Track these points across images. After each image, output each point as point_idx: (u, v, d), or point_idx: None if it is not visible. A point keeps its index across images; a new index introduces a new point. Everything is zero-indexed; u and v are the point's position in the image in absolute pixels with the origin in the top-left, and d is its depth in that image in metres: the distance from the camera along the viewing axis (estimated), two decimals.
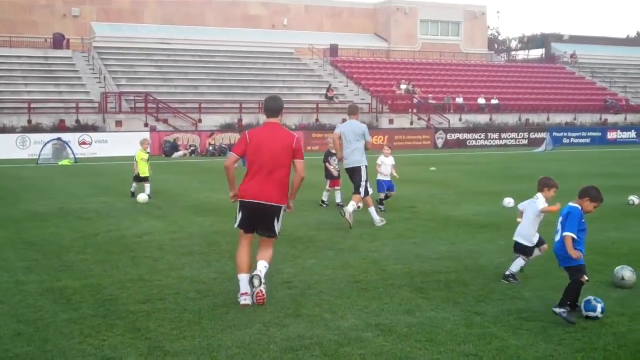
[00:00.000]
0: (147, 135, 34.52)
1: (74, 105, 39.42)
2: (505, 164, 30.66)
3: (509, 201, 15.69)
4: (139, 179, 17.57)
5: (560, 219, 7.85)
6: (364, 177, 13.55)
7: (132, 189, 17.69)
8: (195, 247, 11.29)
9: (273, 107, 8.55)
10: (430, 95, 50.37)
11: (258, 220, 8.35)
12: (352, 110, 14.59)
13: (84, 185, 20.89)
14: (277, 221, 8.45)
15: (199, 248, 11.19)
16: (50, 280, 9.08)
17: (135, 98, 41.36)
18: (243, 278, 8.09)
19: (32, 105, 38.45)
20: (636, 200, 16.05)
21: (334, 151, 15.41)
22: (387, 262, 10.14)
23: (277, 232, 8.47)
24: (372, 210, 13.69)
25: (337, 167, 15.83)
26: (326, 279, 9.19)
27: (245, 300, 7.89)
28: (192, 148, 36.78)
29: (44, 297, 8.30)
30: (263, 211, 8.29)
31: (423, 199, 17.40)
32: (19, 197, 18.01)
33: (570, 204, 7.89)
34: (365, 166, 13.66)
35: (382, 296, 8.34)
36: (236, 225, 8.45)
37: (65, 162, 30.49)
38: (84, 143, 34.58)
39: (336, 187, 16.21)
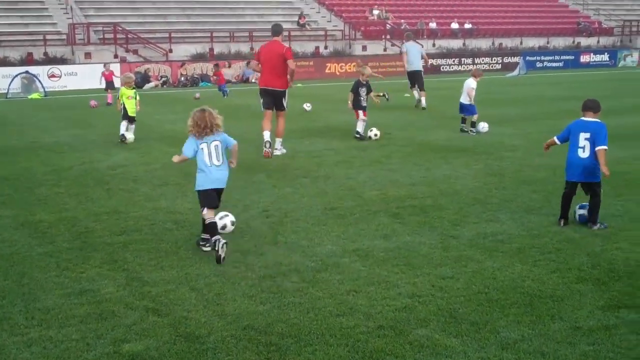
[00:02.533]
0: (116, 67, 34.02)
1: (41, 37, 38.52)
2: (480, 89, 30.53)
3: (483, 126, 15.78)
4: (128, 118, 15.73)
5: (587, 134, 7.97)
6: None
7: (122, 131, 15.49)
8: (170, 178, 11.22)
9: (274, 30, 13.87)
10: (403, 20, 49.84)
11: (271, 100, 13.50)
12: None
13: (55, 119, 20.57)
14: (284, 100, 13.54)
15: (174, 179, 11.12)
16: (25, 214, 9.01)
17: (104, 29, 40.48)
18: (267, 134, 13.29)
19: None
20: None
21: (364, 81, 15.30)
22: (363, 189, 10.16)
23: (284, 107, 13.58)
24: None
25: (365, 97, 15.37)
26: (302, 206, 9.20)
27: (266, 147, 13.08)
28: (163, 79, 36.30)
29: (18, 231, 8.25)
30: (273, 94, 13.43)
31: (398, 125, 17.37)
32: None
33: (589, 119, 8.11)
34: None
35: (359, 222, 8.38)
36: (261, 108, 13.68)
37: (35, 95, 29.97)
38: (53, 76, 33.95)
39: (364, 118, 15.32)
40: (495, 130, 15.94)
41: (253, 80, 36.73)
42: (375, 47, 46.06)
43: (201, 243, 7.42)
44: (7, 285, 6.44)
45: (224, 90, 27.51)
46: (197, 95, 22.55)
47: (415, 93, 22.62)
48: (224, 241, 6.93)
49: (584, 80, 33.97)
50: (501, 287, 6.22)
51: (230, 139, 7.85)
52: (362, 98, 15.28)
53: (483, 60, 46.50)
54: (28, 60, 36.11)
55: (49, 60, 36.37)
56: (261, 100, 13.60)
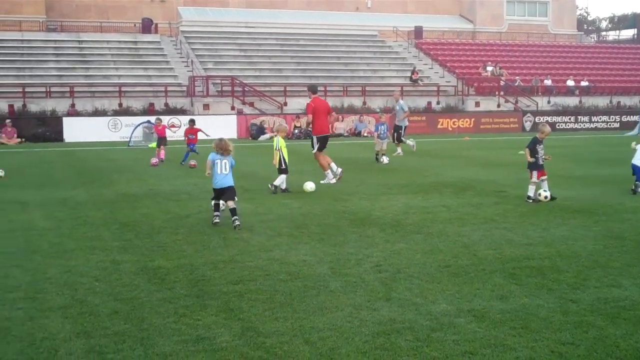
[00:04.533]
0: (233, 118, 34.91)
1: (162, 89, 40.22)
2: (597, 147, 29.84)
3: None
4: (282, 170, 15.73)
5: None
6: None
7: (283, 185, 15.73)
8: (283, 229, 11.36)
9: (314, 88, 18.17)
10: (517, 77, 49.37)
11: (326, 143, 17.46)
12: None
13: (174, 168, 21.29)
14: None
15: (287, 230, 11.26)
16: (145, 260, 9.29)
17: (222, 81, 41.89)
18: (333, 165, 17.26)
19: (123, 89, 39.37)
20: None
21: (541, 138, 14.40)
22: (478, 247, 9.99)
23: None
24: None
25: (542, 156, 14.38)
26: (416, 263, 9.12)
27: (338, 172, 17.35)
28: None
29: (139, 276, 8.49)
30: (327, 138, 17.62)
31: (512, 183, 17.08)
32: (112, 179, 18.50)
33: None
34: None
35: (474, 281, 8.22)
36: (315, 150, 17.44)
37: (154, 144, 31.13)
38: (173, 126, 35.22)
39: (543, 177, 14.36)
40: (614, 191, 15.43)
41: (365, 134, 37.06)
42: (488, 104, 45.74)
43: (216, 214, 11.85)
44: (128, 329, 6.62)
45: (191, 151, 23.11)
46: (193, 162, 21.49)
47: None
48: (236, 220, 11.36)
49: None
50: (625, 356, 5.94)
51: (233, 161, 12.12)
52: (539, 157, 14.25)
53: (600, 119, 45.41)
54: (150, 110, 37.65)
55: (170, 111, 37.82)
56: (318, 145, 17.33)
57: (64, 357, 5.91)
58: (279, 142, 15.75)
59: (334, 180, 17.13)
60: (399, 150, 25.44)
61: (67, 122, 35.34)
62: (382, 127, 22.78)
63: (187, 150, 22.69)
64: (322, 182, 16.96)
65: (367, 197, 14.70)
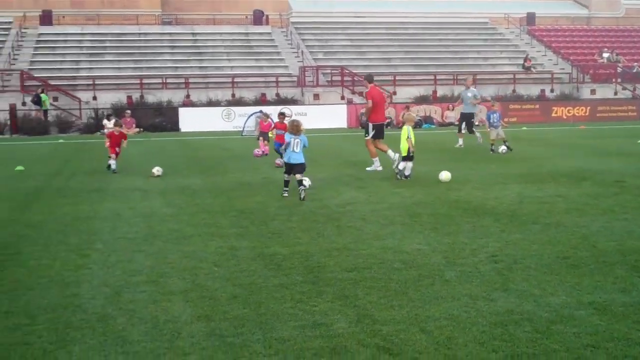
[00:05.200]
0: (343, 108, 35.04)
1: (274, 79, 40.81)
2: None
3: None
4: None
5: None
6: None
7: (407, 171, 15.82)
8: (396, 217, 11.36)
9: (370, 78, 18.41)
10: (635, 64, 47.47)
11: (382, 131, 17.95)
12: None
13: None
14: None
15: (400, 219, 11.25)
16: (261, 246, 9.48)
17: (332, 71, 42.12)
18: (390, 152, 17.31)
19: (235, 79, 40.16)
20: None
21: None
22: (598, 239, 9.70)
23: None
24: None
25: None
26: (533, 254, 8.94)
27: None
28: (387, 120, 36.89)
29: (255, 262, 8.68)
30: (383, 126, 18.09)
31: (632, 172, 16.48)
32: (226, 167, 18.94)
33: None
34: None
35: (594, 274, 7.99)
36: (370, 136, 17.81)
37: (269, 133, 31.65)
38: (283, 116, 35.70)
39: None
40: None
41: (477, 123, 36.45)
42: (604, 91, 44.26)
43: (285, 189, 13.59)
44: (247, 313, 6.77)
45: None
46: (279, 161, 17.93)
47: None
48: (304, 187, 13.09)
49: None
50: None
51: (305, 140, 13.81)
52: None
53: None
54: (261, 100, 38.29)
55: (281, 101, 38.36)
56: (374, 132, 17.73)
57: (186, 340, 6.11)
58: (409, 131, 15.86)
59: (380, 168, 17.56)
60: (461, 141, 24.39)
61: (182, 112, 36.38)
62: (495, 115, 22.21)
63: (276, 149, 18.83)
64: (368, 169, 17.65)
65: (481, 187, 14.50)
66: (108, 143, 18.61)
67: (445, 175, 15.37)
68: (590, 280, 7.71)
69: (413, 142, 15.80)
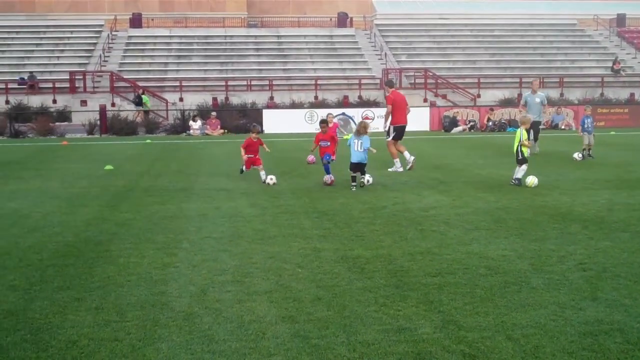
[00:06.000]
0: (426, 110, 34.74)
1: (356, 81, 40.84)
2: None
3: None
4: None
5: None
6: None
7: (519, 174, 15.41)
8: (481, 222, 11.21)
9: (391, 83, 19.47)
10: None
11: (402, 134, 18.63)
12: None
13: (371, 158, 21.50)
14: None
15: (485, 224, 11.10)
16: (344, 249, 9.49)
17: (415, 74, 41.90)
18: (407, 154, 18.24)
19: (319, 82, 40.38)
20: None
21: None
22: None
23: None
24: None
25: None
26: (622, 262, 8.70)
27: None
28: (471, 123, 36.54)
29: (339, 264, 8.70)
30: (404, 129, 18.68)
31: None
32: (309, 169, 19.06)
33: None
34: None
35: None
36: (390, 138, 18.45)
37: (348, 136, 31.66)
38: (366, 118, 35.65)
39: None
40: None
41: (563, 127, 35.79)
42: None
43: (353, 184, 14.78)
44: (330, 315, 6.79)
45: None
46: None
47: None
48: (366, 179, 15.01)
49: None
50: None
51: (367, 141, 15.04)
52: None
53: None
54: (344, 103, 38.35)
55: (363, 103, 38.33)
56: (394, 134, 18.38)
57: (271, 340, 6.17)
58: (523, 134, 15.40)
59: (401, 169, 18.05)
60: (537, 147, 22.43)
61: (266, 114, 36.75)
62: (588, 120, 21.51)
63: (324, 163, 16.51)
64: (390, 169, 18.13)
65: (568, 192, 14.19)
66: (244, 155, 16.59)
67: (531, 180, 15.07)
68: None
69: (519, 144, 15.33)
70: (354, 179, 15.01)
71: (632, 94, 42.30)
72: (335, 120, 32.95)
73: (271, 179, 15.91)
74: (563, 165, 19.27)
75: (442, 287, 7.66)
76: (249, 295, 7.48)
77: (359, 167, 15.08)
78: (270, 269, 8.52)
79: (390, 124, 18.54)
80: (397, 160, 18.25)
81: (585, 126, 21.45)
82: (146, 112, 37.97)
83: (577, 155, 20.54)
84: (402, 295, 7.39)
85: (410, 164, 18.11)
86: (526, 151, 15.41)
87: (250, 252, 9.36)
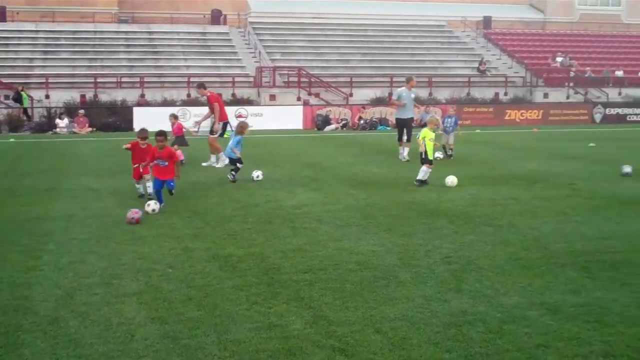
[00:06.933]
0: (299, 109, 34.96)
1: (230, 79, 40.61)
2: None
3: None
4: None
5: None
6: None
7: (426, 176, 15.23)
8: (351, 219, 11.40)
9: (205, 85, 19.92)
10: (588, 68, 48.28)
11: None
12: None
13: (242, 157, 21.44)
14: None
15: (355, 220, 11.29)
16: (216, 247, 9.44)
17: (289, 72, 42.09)
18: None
19: (191, 79, 39.90)
20: None
21: None
22: (549, 240, 9.86)
23: None
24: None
25: None
26: (486, 255, 9.06)
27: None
28: (343, 122, 37.05)
29: (210, 263, 8.64)
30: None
31: (583, 176, 16.76)
32: (185, 167, 18.74)
33: None
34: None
35: (545, 274, 8.13)
36: (218, 134, 19.17)
37: (226, 134, 31.46)
38: (240, 116, 35.46)
39: None
40: None
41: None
42: (557, 95, 44.88)
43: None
44: (201, 315, 6.74)
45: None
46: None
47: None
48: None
49: None
50: None
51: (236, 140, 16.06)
52: None
53: None
54: None
55: (237, 102, 38.15)
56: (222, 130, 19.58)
57: (140, 342, 6.06)
58: (429, 133, 15.30)
59: (217, 165, 18.97)
60: (405, 152, 20.68)
61: (137, 111, 35.95)
62: (449, 119, 21.69)
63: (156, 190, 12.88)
64: (204, 164, 19.20)
65: (435, 189, 14.62)
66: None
67: (452, 180, 15.02)
68: (541, 281, 7.84)
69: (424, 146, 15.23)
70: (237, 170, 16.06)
71: (496, 94, 44.00)
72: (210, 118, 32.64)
73: (257, 175, 16.01)
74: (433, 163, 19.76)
75: (313, 283, 7.75)
76: (118, 297, 7.32)
77: (230, 161, 16.48)
78: (139, 269, 8.37)
79: (220, 120, 19.49)
80: (215, 155, 19.18)
81: (445, 125, 21.53)
82: (25, 110, 36.37)
83: (438, 154, 20.71)
84: (274, 292, 7.42)
85: (220, 165, 18.88)
86: (431, 153, 15.29)
87: (119, 253, 9.16)
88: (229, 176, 15.95)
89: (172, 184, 12.78)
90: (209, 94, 20.29)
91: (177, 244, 9.65)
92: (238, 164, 16.10)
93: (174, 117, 20.96)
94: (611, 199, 13.36)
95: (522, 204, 12.88)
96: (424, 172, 15.18)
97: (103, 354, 5.80)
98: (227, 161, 18.14)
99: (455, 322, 6.49)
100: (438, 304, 7.04)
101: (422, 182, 15.11)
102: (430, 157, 15.29)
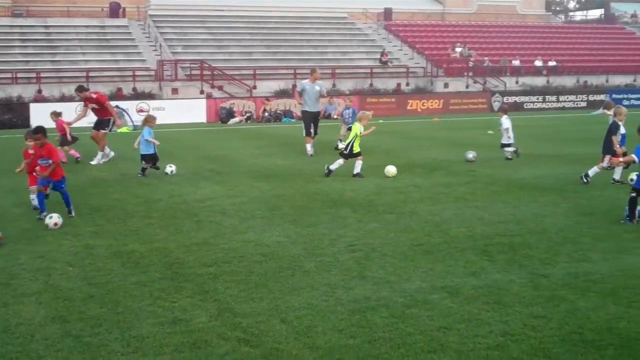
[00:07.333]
0: (202, 102, 34.64)
1: (130, 73, 39.84)
2: (564, 127, 30.17)
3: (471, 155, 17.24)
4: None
5: None
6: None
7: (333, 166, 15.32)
8: (257, 211, 11.38)
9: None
10: (486, 58, 49.56)
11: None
12: None
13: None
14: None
15: (260, 212, 11.28)
16: (118, 244, 9.27)
17: (191, 65, 41.60)
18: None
19: (90, 74, 38.97)
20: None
21: (620, 121, 13.65)
22: (450, 225, 10.10)
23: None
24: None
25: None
26: (389, 242, 9.20)
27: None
28: (247, 114, 36.91)
29: (112, 260, 8.48)
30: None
31: (482, 162, 17.22)
32: (81, 164, 18.35)
33: None
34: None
35: (446, 259, 8.33)
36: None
37: (124, 129, 30.88)
38: (141, 111, 34.85)
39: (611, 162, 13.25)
40: (583, 169, 15.62)
41: (335, 117, 37.03)
42: (457, 84, 45.90)
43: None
44: (103, 312, 6.62)
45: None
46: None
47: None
48: None
49: None
50: (595, 327, 6.07)
51: (147, 133, 15.73)
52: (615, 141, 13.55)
53: (568, 98, 45.80)
54: (118, 96, 37.27)
55: (138, 96, 37.50)
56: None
57: (40, 342, 5.91)
58: (359, 128, 15.34)
59: (102, 161, 18.69)
60: (309, 147, 19.93)
61: (34, 108, 34.87)
62: (347, 111, 21.70)
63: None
64: (92, 162, 18.52)
65: (340, 179, 14.74)
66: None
67: (391, 170, 15.11)
68: (443, 265, 8.03)
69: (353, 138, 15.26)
70: (143, 170, 15.70)
71: (398, 84, 44.65)
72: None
73: (171, 171, 15.79)
74: (335, 154, 19.91)
75: (218, 276, 7.71)
76: (16, 297, 7.11)
77: (146, 159, 15.70)
78: (39, 269, 8.15)
79: (108, 116, 19.31)
80: (102, 152, 18.84)
81: (345, 117, 21.58)
82: None
83: (341, 145, 20.87)
84: (178, 287, 7.35)
85: (108, 158, 18.92)
86: (357, 146, 15.24)
87: (17, 253, 8.89)
88: (140, 172, 15.81)
89: (62, 186, 11.24)
90: (95, 95, 19.99)
91: (78, 242, 9.43)
92: (145, 162, 15.81)
93: (56, 114, 19.16)
94: (509, 184, 13.78)
95: (423, 191, 13.14)
96: (359, 165, 15.18)
97: (2, 356, 5.63)
98: (110, 156, 18.80)
99: (359, 309, 6.58)
100: (342, 291, 7.12)
101: (359, 174, 15.06)
102: (356, 150, 15.22)
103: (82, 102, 20.08)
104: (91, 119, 20.18)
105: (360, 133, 15.35)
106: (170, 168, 15.84)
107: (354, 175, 15.00)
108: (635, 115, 11.11)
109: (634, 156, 10.62)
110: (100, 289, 7.32)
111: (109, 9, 49.37)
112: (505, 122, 17.77)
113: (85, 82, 37.96)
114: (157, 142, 15.87)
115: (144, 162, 15.83)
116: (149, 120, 16.45)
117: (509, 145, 17.84)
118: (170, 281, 7.56)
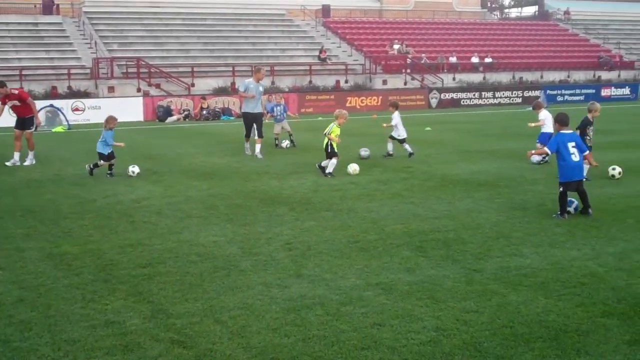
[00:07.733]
0: (139, 100, 34.24)
1: (65, 71, 39.12)
2: (500, 122, 30.67)
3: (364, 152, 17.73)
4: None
5: (573, 143, 10.37)
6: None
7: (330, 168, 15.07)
8: (193, 211, 11.30)
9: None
10: (423, 55, 50.08)
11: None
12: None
13: (79, 152, 20.83)
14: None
15: (197, 212, 11.20)
16: (50, 246, 9.09)
17: (127, 63, 41.05)
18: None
19: (24, 72, 38.15)
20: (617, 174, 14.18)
21: (593, 118, 14.27)
22: (386, 222, 10.18)
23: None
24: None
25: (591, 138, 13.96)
26: (325, 240, 9.23)
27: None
28: (185, 112, 36.58)
29: (44, 263, 8.32)
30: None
31: (419, 159, 17.41)
32: (14, 165, 17.95)
33: (568, 131, 10.56)
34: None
35: (382, 255, 8.39)
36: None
37: (59, 128, 30.33)
38: (76, 109, 34.35)
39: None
40: (517, 165, 15.93)
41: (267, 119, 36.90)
42: (395, 81, 46.27)
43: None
44: (34, 316, 6.49)
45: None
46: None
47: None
48: None
49: (605, 114, 33.82)
50: (526, 321, 6.19)
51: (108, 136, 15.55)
52: (588, 138, 13.56)
53: (503, 94, 46.55)
54: (52, 94, 36.59)
55: (73, 94, 36.86)
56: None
57: None
58: (334, 129, 15.36)
59: (19, 163, 17.92)
60: (258, 150, 18.75)
61: None
62: (278, 108, 21.36)
63: None
64: (7, 163, 17.92)
65: (277, 177, 14.74)
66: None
67: (353, 168, 15.15)
68: (378, 262, 8.08)
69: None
70: (96, 165, 15.56)
71: (337, 81, 44.80)
72: (43, 111, 31.34)
73: (133, 171, 15.38)
74: (273, 152, 19.93)
75: (152, 277, 7.63)
76: None
77: (103, 158, 15.50)
78: None
79: (31, 114, 18.76)
80: (33, 152, 18.39)
81: (275, 114, 21.29)
82: None
83: (284, 144, 20.92)
84: (111, 288, 7.25)
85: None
86: (335, 145, 15.19)
87: None
88: (87, 168, 15.73)
89: None
90: (17, 91, 19.58)
91: (8, 244, 9.23)
92: (101, 162, 15.56)
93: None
94: (444, 180, 13.95)
95: (360, 188, 13.22)
96: (332, 164, 15.00)
97: None
98: (17, 164, 17.68)
99: (294, 307, 6.58)
100: (278, 290, 7.12)
101: (330, 173, 14.87)
102: (334, 149, 15.12)
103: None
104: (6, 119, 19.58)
105: (328, 134, 15.20)
106: (132, 168, 15.41)
107: (326, 175, 14.81)
108: (568, 110, 11.31)
109: (546, 148, 11.08)
110: (31, 292, 7.18)
111: (42, 6, 48.38)
112: (396, 117, 18.24)
113: (18, 81, 37.20)
114: (122, 145, 16.10)
115: (101, 161, 15.57)
116: (109, 122, 15.89)
117: (404, 140, 18.19)
118: (103, 283, 7.45)
